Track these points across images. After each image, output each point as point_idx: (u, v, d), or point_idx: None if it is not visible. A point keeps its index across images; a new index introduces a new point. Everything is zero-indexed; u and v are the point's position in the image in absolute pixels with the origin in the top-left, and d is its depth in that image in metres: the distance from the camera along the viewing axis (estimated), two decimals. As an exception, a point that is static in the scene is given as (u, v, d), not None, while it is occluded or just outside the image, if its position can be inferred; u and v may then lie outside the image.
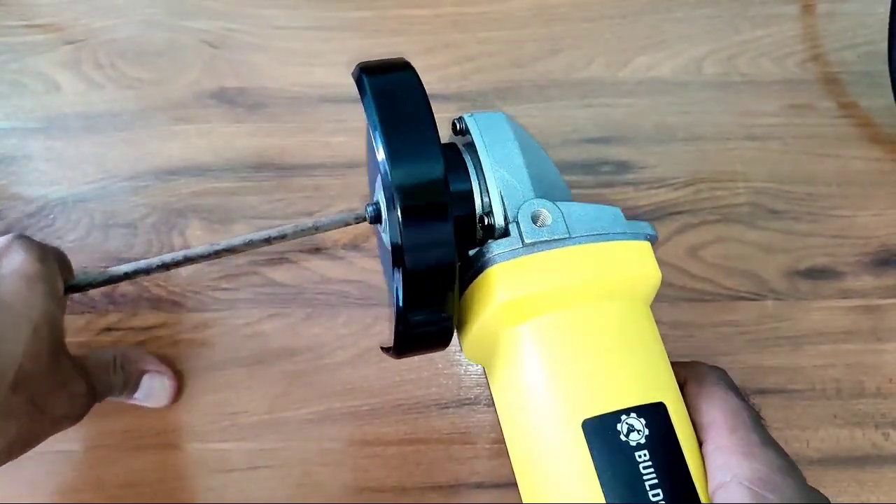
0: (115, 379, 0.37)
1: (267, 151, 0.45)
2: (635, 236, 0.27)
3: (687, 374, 0.27)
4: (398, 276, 0.25)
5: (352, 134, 0.45)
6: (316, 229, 0.39)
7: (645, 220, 0.43)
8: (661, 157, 0.45)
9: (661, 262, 0.43)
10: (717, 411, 0.25)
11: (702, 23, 0.49)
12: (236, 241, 0.38)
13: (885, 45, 0.45)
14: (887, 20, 0.44)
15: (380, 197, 0.29)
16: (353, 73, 0.27)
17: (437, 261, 0.25)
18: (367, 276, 0.42)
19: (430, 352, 0.29)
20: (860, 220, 0.44)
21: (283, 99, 0.46)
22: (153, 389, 0.38)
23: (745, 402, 0.26)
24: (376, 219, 0.29)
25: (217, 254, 0.38)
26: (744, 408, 0.25)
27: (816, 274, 0.43)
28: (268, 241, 0.39)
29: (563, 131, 0.46)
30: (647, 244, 0.28)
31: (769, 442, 0.24)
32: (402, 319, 0.26)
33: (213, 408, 0.40)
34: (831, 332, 0.41)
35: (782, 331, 0.41)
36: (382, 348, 0.30)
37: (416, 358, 0.40)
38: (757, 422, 0.25)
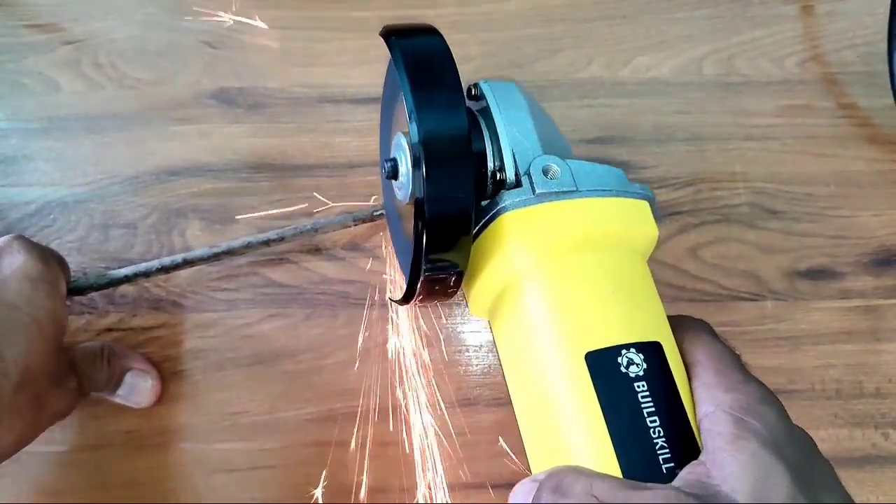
0: (101, 373, 0.37)
1: (267, 151, 0.45)
2: (635, 195, 0.29)
3: (675, 324, 0.29)
4: (419, 224, 0.26)
5: (352, 134, 0.45)
6: (315, 231, 0.40)
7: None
8: (661, 158, 0.45)
9: (661, 263, 0.43)
10: (702, 354, 0.27)
11: (702, 23, 0.49)
12: (235, 243, 0.38)
13: (884, 46, 0.45)
14: (887, 20, 0.45)
15: (398, 154, 0.29)
16: (380, 33, 0.29)
17: (456, 210, 0.26)
18: (368, 276, 0.42)
19: (439, 300, 0.30)
20: (859, 220, 0.44)
21: (283, 99, 0.46)
22: (136, 388, 0.38)
23: (726, 347, 0.28)
24: (393, 174, 0.30)
25: (216, 256, 0.38)
26: (726, 351, 0.27)
27: (816, 274, 0.43)
28: (267, 243, 0.39)
29: (563, 131, 0.45)
30: (645, 203, 0.30)
31: (750, 379, 0.26)
32: (418, 266, 0.27)
33: (213, 408, 0.40)
34: (831, 332, 0.42)
35: (782, 331, 0.42)
36: (391, 299, 0.31)
37: (415, 358, 0.40)
38: (738, 362, 0.27)
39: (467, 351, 0.40)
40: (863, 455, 0.39)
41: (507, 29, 0.49)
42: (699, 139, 0.46)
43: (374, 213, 0.40)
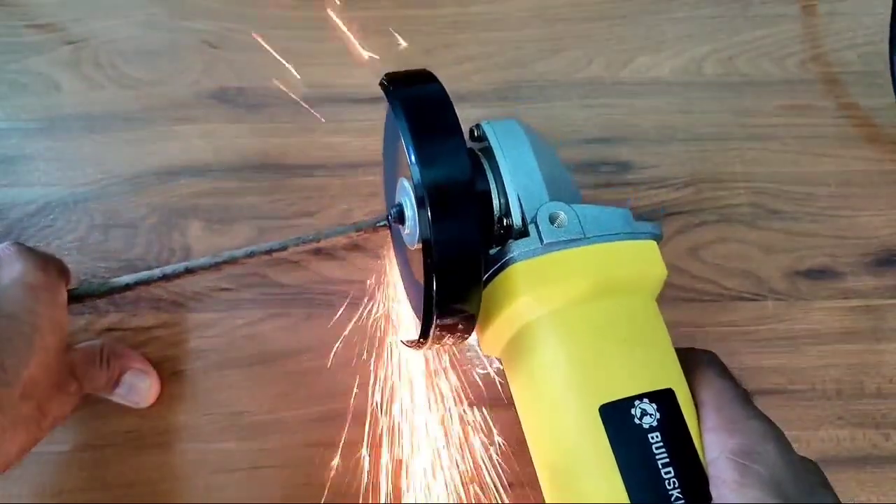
0: (100, 373, 0.37)
1: (267, 151, 0.45)
2: (643, 236, 0.29)
3: (683, 360, 0.29)
4: (428, 271, 0.26)
5: (352, 134, 0.45)
6: (318, 240, 0.39)
7: (645, 220, 0.43)
8: (662, 158, 0.45)
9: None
10: (706, 394, 0.27)
11: (702, 23, 0.49)
12: (238, 252, 0.38)
13: (885, 45, 0.45)
14: (887, 20, 0.45)
15: (403, 199, 0.29)
16: (380, 84, 0.28)
17: (464, 256, 0.26)
18: (368, 276, 0.42)
19: (452, 344, 0.30)
20: (860, 220, 0.44)
21: (283, 99, 0.46)
22: (134, 387, 0.38)
23: (731, 382, 0.28)
24: (399, 220, 0.30)
25: (218, 265, 0.38)
26: (729, 387, 0.28)
27: (816, 274, 0.43)
28: (269, 252, 0.39)
29: (563, 131, 0.46)
30: (653, 243, 0.30)
31: (753, 415, 0.26)
32: (429, 310, 0.27)
33: (214, 408, 0.40)
34: (831, 332, 0.42)
35: (782, 331, 0.41)
36: (403, 342, 0.31)
37: (416, 358, 0.40)
38: (742, 398, 0.27)
39: (469, 350, 0.40)
40: (863, 455, 0.39)
41: (507, 29, 0.48)
42: (700, 139, 0.46)
43: (378, 224, 0.40)
